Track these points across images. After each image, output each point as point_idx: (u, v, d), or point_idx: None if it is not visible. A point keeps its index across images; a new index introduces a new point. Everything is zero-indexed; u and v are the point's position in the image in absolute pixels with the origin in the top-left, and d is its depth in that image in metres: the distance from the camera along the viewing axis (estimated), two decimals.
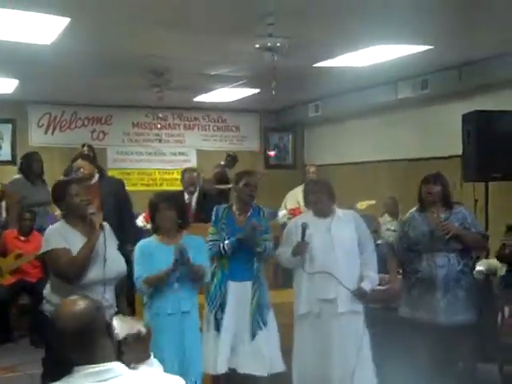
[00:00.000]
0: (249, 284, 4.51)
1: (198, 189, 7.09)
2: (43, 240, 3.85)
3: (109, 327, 2.07)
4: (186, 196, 6.75)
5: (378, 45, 5.82)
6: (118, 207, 5.91)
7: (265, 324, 4.49)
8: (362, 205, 6.59)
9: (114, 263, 3.84)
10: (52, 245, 3.74)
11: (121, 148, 9.99)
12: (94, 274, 3.72)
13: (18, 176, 7.60)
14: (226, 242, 4.44)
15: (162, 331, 3.91)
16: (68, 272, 3.67)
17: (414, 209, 4.78)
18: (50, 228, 3.87)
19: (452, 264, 4.53)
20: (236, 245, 4.43)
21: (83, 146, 8.06)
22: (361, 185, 8.84)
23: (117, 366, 2.01)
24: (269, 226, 4.71)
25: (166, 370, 3.74)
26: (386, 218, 7.43)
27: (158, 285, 4.03)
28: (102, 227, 3.79)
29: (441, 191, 4.62)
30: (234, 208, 4.63)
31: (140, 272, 4.05)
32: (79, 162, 6.32)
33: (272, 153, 9.75)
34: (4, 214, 8.06)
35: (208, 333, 4.47)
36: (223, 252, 4.45)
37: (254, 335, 4.45)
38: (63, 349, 2.00)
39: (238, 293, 4.49)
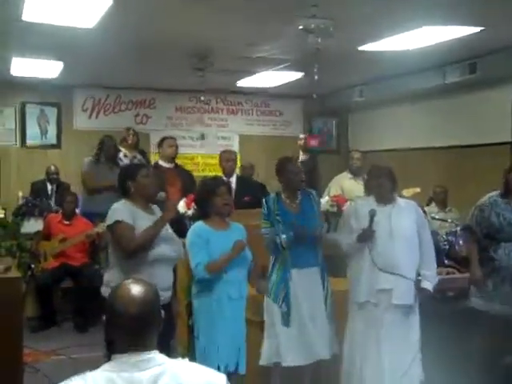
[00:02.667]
0: (315, 270, 4.42)
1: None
2: (108, 215, 3.90)
3: (160, 316, 2.04)
4: (225, 179, 6.65)
5: (426, 26, 5.65)
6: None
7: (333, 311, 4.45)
8: (408, 192, 6.43)
9: (174, 244, 3.96)
10: (118, 217, 3.81)
11: (164, 132, 9.94)
12: (160, 250, 3.81)
13: (89, 158, 7.68)
14: (283, 236, 4.34)
15: (223, 316, 3.94)
16: (132, 246, 3.74)
17: (494, 193, 4.56)
18: (116, 204, 3.93)
19: None
20: (292, 239, 4.32)
21: (128, 129, 8.09)
22: (405, 172, 8.62)
23: (157, 356, 1.99)
24: (321, 211, 4.62)
25: (224, 357, 3.80)
26: (433, 206, 7.27)
27: (221, 270, 3.98)
28: (176, 213, 3.90)
29: None
30: (283, 196, 4.51)
31: (200, 258, 3.95)
32: (172, 140, 7.09)
33: (314, 141, 9.35)
34: (53, 198, 8.18)
35: (273, 326, 4.36)
36: (281, 247, 4.35)
37: (328, 322, 4.39)
38: (113, 331, 1.99)
39: (304, 280, 4.36)
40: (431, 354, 4.31)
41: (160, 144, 7.24)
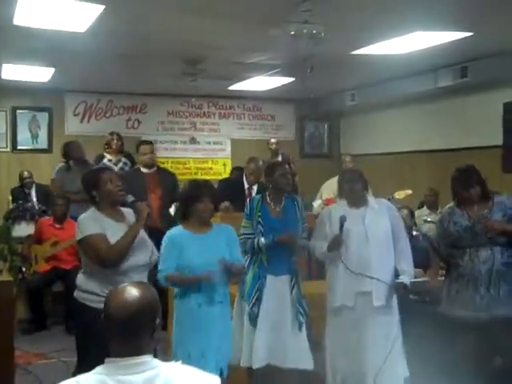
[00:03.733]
0: (287, 278, 4.42)
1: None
2: (76, 228, 3.80)
3: (155, 320, 2.02)
4: (247, 185, 6.63)
5: (417, 31, 5.68)
6: (171, 200, 6.07)
7: (305, 316, 4.42)
8: (400, 194, 6.47)
9: (147, 250, 3.82)
10: (88, 231, 3.69)
11: (155, 136, 9.98)
12: (131, 260, 3.69)
13: (61, 164, 7.61)
14: (262, 240, 4.35)
15: (194, 323, 3.88)
16: (109, 258, 3.63)
17: (452, 203, 4.64)
18: (83, 215, 3.81)
19: (496, 257, 4.38)
20: (271, 244, 4.33)
21: (111, 134, 8.03)
22: (397, 175, 8.72)
23: (151, 359, 1.98)
24: (305, 216, 4.63)
25: (197, 361, 3.77)
26: (425, 209, 7.30)
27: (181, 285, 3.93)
28: (148, 215, 3.76)
29: (478, 185, 4.42)
30: (268, 199, 4.53)
31: (165, 265, 3.90)
32: (147, 147, 6.51)
33: None
34: (35, 202, 8.15)
35: (241, 325, 4.41)
36: (257, 248, 4.36)
37: (299, 328, 4.38)
38: (110, 336, 1.97)
39: (277, 287, 4.39)
40: (410, 355, 4.35)
41: (137, 150, 7.16)
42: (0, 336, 3.57)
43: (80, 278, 3.86)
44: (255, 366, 4.33)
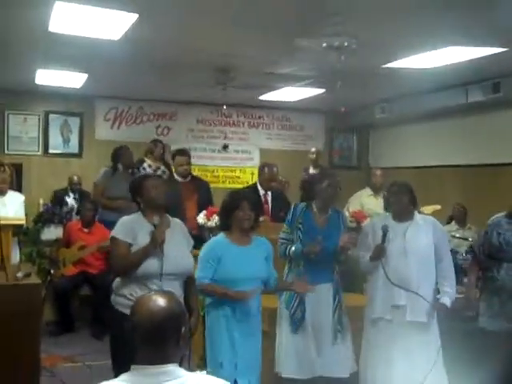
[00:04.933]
0: (327, 286, 4.41)
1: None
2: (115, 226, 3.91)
3: (180, 329, 2.03)
4: (262, 192, 6.62)
5: (449, 46, 5.65)
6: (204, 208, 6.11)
7: (342, 327, 4.41)
8: (428, 209, 6.41)
9: (174, 260, 3.83)
10: (118, 233, 3.81)
11: (184, 144, 10.00)
12: (148, 267, 3.73)
13: (106, 168, 7.69)
14: (293, 248, 4.35)
15: (230, 333, 3.91)
16: (114, 265, 3.79)
17: (502, 214, 4.56)
18: (125, 217, 3.93)
19: None
20: (300, 256, 4.33)
21: (155, 141, 8.14)
22: (425, 189, 8.60)
23: (176, 369, 1.99)
24: (347, 230, 4.61)
25: (228, 373, 3.79)
26: (453, 225, 7.24)
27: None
28: (163, 242, 3.77)
29: None
30: (314, 208, 4.51)
31: (203, 273, 3.94)
32: (183, 158, 6.56)
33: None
34: (74, 205, 8.26)
35: (283, 334, 4.39)
36: (288, 255, 4.36)
37: (335, 337, 4.37)
38: (137, 344, 1.99)
39: (317, 295, 4.35)
40: (451, 374, 4.29)
41: (173, 158, 7.20)
42: (27, 338, 3.61)
43: (115, 282, 3.94)
44: (305, 377, 4.29)
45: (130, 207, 4.65)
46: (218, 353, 3.93)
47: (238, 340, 3.93)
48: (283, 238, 4.45)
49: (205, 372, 2.10)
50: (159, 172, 7.66)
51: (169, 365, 1.97)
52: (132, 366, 1.98)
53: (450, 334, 4.55)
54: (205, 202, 6.57)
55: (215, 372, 3.76)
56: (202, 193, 6.74)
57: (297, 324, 4.33)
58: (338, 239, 4.39)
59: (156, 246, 3.75)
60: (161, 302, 2.00)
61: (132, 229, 3.82)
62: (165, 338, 1.98)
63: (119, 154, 7.58)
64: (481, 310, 4.58)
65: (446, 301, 4.23)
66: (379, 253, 4.19)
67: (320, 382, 4.39)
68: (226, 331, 3.93)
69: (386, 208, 4.47)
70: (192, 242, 4.10)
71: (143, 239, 3.78)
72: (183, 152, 7.09)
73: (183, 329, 2.04)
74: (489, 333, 4.51)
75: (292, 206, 4.53)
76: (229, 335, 3.93)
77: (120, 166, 7.51)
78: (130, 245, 3.78)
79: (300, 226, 4.39)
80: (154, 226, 3.80)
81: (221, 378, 3.68)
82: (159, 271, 3.74)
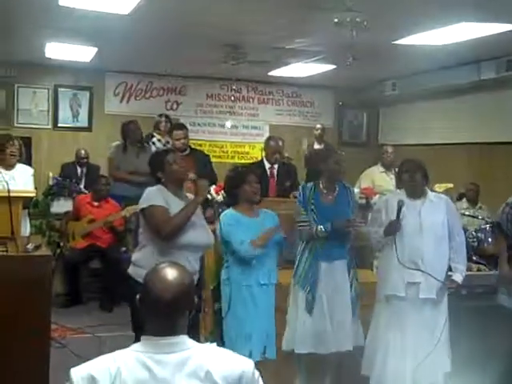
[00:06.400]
0: (342, 263, 4.40)
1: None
2: (142, 198, 3.94)
3: (191, 301, 2.05)
4: (268, 165, 6.61)
5: (462, 22, 5.59)
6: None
7: (357, 303, 4.45)
8: (441, 187, 6.39)
9: (205, 232, 3.96)
10: (152, 201, 3.86)
11: (194, 119, 10.03)
12: (188, 237, 3.83)
13: (117, 143, 7.70)
14: (321, 227, 4.33)
15: (254, 302, 4.02)
16: (166, 229, 3.77)
17: None
18: (150, 188, 3.97)
19: None
20: (330, 231, 4.33)
21: (160, 116, 8.14)
22: (435, 167, 8.56)
23: (186, 340, 2.01)
24: (357, 206, 4.62)
25: (253, 343, 3.85)
26: (464, 203, 7.22)
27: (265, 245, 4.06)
28: (208, 192, 3.94)
29: None
30: (321, 186, 4.48)
31: (241, 237, 4.01)
32: (180, 132, 6.54)
33: None
34: (83, 180, 8.30)
35: (297, 311, 4.39)
36: (316, 236, 4.36)
37: (354, 314, 4.39)
38: (146, 313, 2.01)
39: (333, 272, 4.36)
40: (457, 350, 4.30)
41: (170, 133, 7.19)
42: (37, 309, 3.64)
43: (136, 254, 4.00)
44: (322, 352, 4.31)
45: (144, 181, 4.69)
46: (244, 324, 4.02)
47: (254, 309, 4.04)
48: (302, 221, 4.39)
49: (215, 344, 2.11)
50: (169, 146, 7.65)
51: (179, 336, 2.00)
52: (142, 337, 2.01)
53: (464, 311, 4.56)
54: (203, 176, 6.50)
55: (238, 343, 3.91)
56: (201, 166, 6.65)
57: (312, 303, 4.33)
58: (348, 215, 4.39)
59: (201, 200, 3.88)
60: (174, 274, 2.01)
61: (164, 197, 3.88)
62: (177, 310, 2.00)
63: (128, 129, 7.58)
64: (500, 286, 4.58)
65: (458, 277, 4.24)
66: (394, 228, 4.17)
67: (331, 356, 4.43)
68: (251, 302, 4.03)
69: (398, 185, 4.45)
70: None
71: (174, 210, 3.84)
72: (180, 126, 7.03)
73: (195, 301, 2.07)
74: (507, 310, 4.51)
75: (300, 188, 4.51)
76: (244, 306, 4.02)
77: (129, 141, 7.51)
78: (167, 209, 3.84)
79: (313, 206, 4.38)
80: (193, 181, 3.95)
81: (246, 348, 3.78)
82: (191, 242, 3.83)
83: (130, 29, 6.28)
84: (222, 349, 2.10)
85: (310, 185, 4.50)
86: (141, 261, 3.86)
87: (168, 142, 7.75)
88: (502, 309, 4.54)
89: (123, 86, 10.00)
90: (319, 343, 4.32)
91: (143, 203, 3.90)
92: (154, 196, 3.89)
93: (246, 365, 2.04)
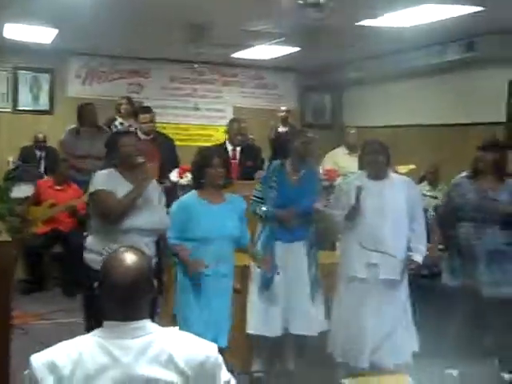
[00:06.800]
0: (300, 244, 4.45)
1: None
2: (91, 182, 3.97)
3: (151, 285, 2.03)
4: (230, 147, 6.58)
5: (427, 3, 5.60)
6: (171, 166, 6.03)
7: (317, 284, 4.47)
8: (403, 169, 6.45)
9: (155, 215, 3.90)
10: (98, 186, 3.87)
11: (157, 102, 9.91)
12: (134, 220, 3.81)
13: (72, 126, 7.55)
14: (263, 208, 4.34)
15: (197, 291, 3.91)
16: (112, 212, 3.79)
17: (464, 174, 4.61)
18: (99, 172, 4.00)
19: (495, 235, 4.39)
20: (270, 215, 4.32)
21: (122, 98, 8.02)
22: (399, 149, 8.62)
23: (148, 324, 1.99)
24: (321, 188, 4.62)
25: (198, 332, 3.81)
26: (425, 184, 7.30)
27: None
28: (140, 195, 3.85)
29: (492, 160, 4.41)
30: (288, 166, 4.51)
31: (173, 233, 3.92)
32: (147, 116, 6.47)
33: None
34: (42, 164, 8.16)
35: (255, 293, 4.43)
36: (257, 214, 4.36)
37: (312, 296, 4.43)
38: (108, 301, 1.98)
39: (289, 254, 4.41)
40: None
41: (132, 115, 7.08)
42: None
43: (88, 239, 4.00)
44: (273, 335, 4.35)
45: (96, 167, 4.63)
46: (185, 310, 3.94)
47: (205, 298, 3.93)
48: (256, 196, 4.45)
49: (177, 328, 2.09)
50: (132, 129, 7.53)
51: (141, 321, 1.97)
52: (104, 323, 1.98)
53: (417, 291, 4.65)
54: (167, 160, 6.46)
55: (183, 329, 3.79)
56: (166, 150, 6.60)
57: (267, 283, 4.36)
58: (312, 198, 4.40)
59: (144, 185, 3.83)
60: (132, 258, 1.98)
61: (109, 179, 3.87)
62: (137, 294, 1.97)
63: (82, 112, 7.43)
64: (443, 266, 4.69)
65: (418, 258, 4.30)
66: (354, 213, 4.20)
67: (288, 339, 4.45)
68: (193, 290, 3.92)
69: (361, 167, 4.47)
70: (164, 200, 4.10)
71: (122, 194, 3.82)
72: (147, 109, 6.95)
73: (154, 285, 2.04)
74: (449, 289, 4.61)
75: (267, 164, 4.52)
76: (195, 294, 3.92)
77: (84, 124, 7.36)
78: (114, 193, 3.83)
79: (274, 184, 4.38)
80: (140, 164, 3.89)
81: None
82: (138, 226, 3.80)
83: (93, 10, 6.15)
84: (184, 333, 2.09)
85: (276, 162, 4.51)
86: (92, 246, 3.89)
87: (131, 125, 7.64)
88: (445, 287, 4.66)
89: (85, 69, 9.85)
90: (270, 325, 4.36)
91: (91, 188, 3.92)
92: (100, 180, 3.90)
93: (209, 349, 2.02)
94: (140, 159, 3.93)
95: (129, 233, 3.78)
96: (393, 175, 4.40)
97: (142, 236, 3.81)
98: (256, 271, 4.41)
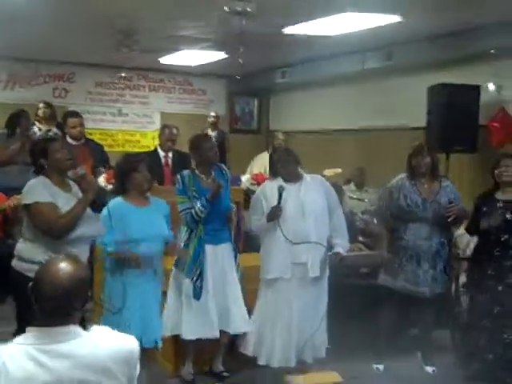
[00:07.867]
0: (227, 245, 4.54)
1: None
2: (24, 192, 3.76)
3: (86, 293, 2.05)
4: (162, 154, 6.57)
5: (346, 12, 5.77)
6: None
7: (242, 284, 4.56)
8: (329, 172, 6.61)
9: (93, 224, 3.83)
10: (36, 197, 3.68)
11: (83, 107, 9.78)
12: (77, 230, 3.71)
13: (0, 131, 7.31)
14: (198, 204, 4.40)
15: (127, 296, 3.90)
16: (58, 227, 3.65)
17: (403, 176, 4.82)
18: (33, 181, 3.79)
19: (435, 236, 4.64)
20: (207, 205, 4.39)
21: (39, 102, 7.80)
22: (326, 152, 8.87)
23: (75, 329, 2.00)
24: (229, 185, 4.72)
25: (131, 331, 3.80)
26: (351, 187, 7.48)
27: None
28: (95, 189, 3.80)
29: (430, 163, 4.72)
30: (198, 172, 4.59)
31: (111, 238, 3.91)
32: (76, 120, 6.35)
33: None
34: None
35: (178, 299, 4.46)
36: (197, 217, 4.40)
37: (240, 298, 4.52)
38: (40, 307, 1.98)
39: (218, 255, 4.48)
40: (341, 326, 4.53)
41: (64, 121, 6.97)
42: None
43: (21, 247, 3.83)
44: (209, 337, 4.41)
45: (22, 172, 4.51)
46: (118, 315, 3.91)
47: (139, 303, 3.94)
48: (185, 209, 4.46)
49: (102, 327, 2.12)
50: (51, 134, 7.36)
51: (67, 325, 1.98)
52: (27, 328, 1.97)
53: (346, 290, 4.79)
54: (100, 165, 6.42)
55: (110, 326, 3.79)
56: (97, 155, 6.55)
57: (200, 290, 4.40)
58: (228, 194, 4.57)
59: (92, 197, 3.75)
60: (69, 267, 1.99)
61: (48, 190, 3.71)
62: (71, 303, 1.99)
63: (17, 120, 7.23)
64: (383, 267, 4.84)
65: (340, 250, 4.46)
66: (276, 213, 4.31)
67: (217, 340, 4.52)
68: (125, 294, 3.90)
69: (274, 174, 4.59)
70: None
71: (60, 203, 3.71)
72: (75, 113, 6.82)
73: (88, 293, 2.07)
74: (384, 289, 4.78)
75: (178, 176, 4.56)
76: (128, 298, 3.91)
77: (18, 131, 7.17)
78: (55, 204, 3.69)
79: (194, 193, 4.45)
80: (81, 176, 3.81)
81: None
82: (79, 235, 3.72)
83: (17, 13, 6.04)
84: (107, 329, 2.11)
85: (187, 172, 4.58)
86: (26, 254, 3.73)
87: (49, 130, 7.46)
88: (381, 288, 4.83)
89: (7, 73, 9.62)
90: (207, 328, 4.41)
91: (27, 198, 3.73)
92: (37, 190, 3.71)
93: (131, 344, 2.10)
94: (81, 171, 3.83)
95: (75, 242, 3.70)
96: (305, 175, 4.54)
97: (81, 244, 3.75)
98: (185, 281, 4.43)
